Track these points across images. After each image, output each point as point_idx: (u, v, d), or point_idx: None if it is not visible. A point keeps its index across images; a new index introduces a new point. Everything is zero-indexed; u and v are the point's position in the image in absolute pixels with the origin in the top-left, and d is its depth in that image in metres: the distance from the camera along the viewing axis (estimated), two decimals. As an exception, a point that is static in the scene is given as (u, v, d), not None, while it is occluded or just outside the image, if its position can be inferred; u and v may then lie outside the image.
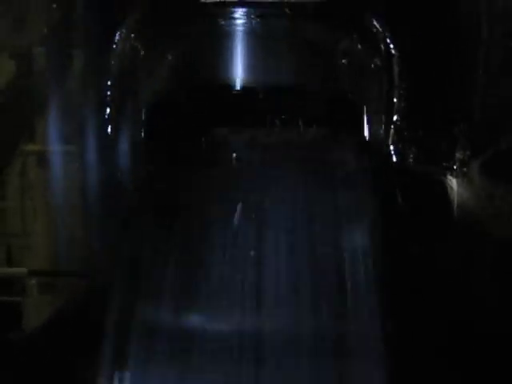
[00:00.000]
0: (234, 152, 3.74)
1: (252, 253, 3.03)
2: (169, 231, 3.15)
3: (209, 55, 3.68)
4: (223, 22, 3.61)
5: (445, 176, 3.31)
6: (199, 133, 3.71)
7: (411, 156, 3.46)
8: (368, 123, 3.61)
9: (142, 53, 3.67)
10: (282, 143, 3.72)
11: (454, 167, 3.28)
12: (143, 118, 3.60)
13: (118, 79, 3.50)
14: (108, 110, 3.45)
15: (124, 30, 3.50)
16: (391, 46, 3.43)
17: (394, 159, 3.46)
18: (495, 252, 3.01)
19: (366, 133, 3.58)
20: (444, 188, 3.31)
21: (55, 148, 3.23)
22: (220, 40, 3.68)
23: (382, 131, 3.49)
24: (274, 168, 3.49)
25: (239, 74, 3.74)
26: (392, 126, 3.45)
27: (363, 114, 3.64)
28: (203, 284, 2.95)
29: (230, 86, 3.69)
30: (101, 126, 3.43)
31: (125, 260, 3.05)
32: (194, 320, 2.88)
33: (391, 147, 3.46)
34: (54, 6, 3.15)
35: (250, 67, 3.71)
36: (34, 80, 3.16)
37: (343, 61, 3.72)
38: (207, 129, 3.79)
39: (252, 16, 3.58)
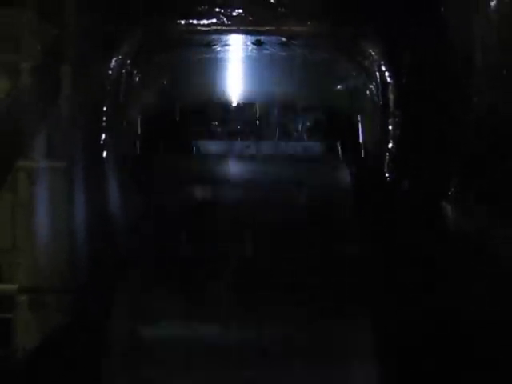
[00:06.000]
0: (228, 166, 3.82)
1: None
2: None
3: (206, 78, 3.72)
4: (219, 49, 3.64)
5: (440, 202, 3.31)
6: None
7: (406, 182, 3.47)
8: (364, 150, 3.64)
9: (138, 79, 3.70)
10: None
11: (449, 193, 3.28)
12: (137, 140, 3.64)
13: (114, 104, 3.52)
14: (103, 136, 3.46)
15: (120, 57, 3.52)
16: (387, 74, 3.45)
17: (390, 186, 3.48)
18: (492, 277, 3.00)
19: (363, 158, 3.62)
20: (439, 214, 3.31)
21: (47, 165, 3.23)
22: (216, 65, 3.72)
23: (378, 158, 3.51)
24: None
25: (236, 95, 3.81)
26: (387, 154, 3.47)
27: (359, 142, 3.68)
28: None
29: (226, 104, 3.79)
30: (95, 150, 3.44)
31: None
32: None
33: (387, 174, 3.48)
34: (47, 26, 3.16)
35: (247, 88, 3.77)
36: (26, 97, 3.16)
37: (339, 87, 3.76)
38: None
39: (248, 43, 3.61)
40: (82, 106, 3.34)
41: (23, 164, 3.14)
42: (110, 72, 3.47)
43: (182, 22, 3.49)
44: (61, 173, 3.21)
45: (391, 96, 3.46)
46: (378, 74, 3.49)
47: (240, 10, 3.39)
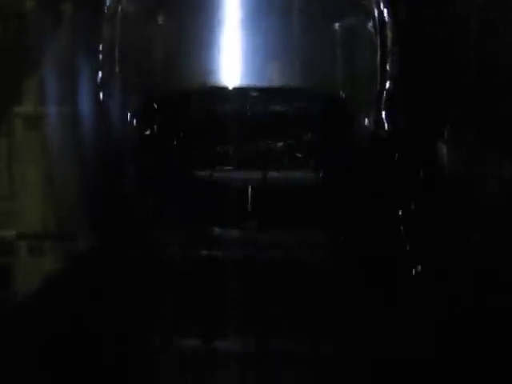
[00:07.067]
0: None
1: None
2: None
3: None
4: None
5: (436, 142, 3.33)
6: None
7: (403, 122, 3.48)
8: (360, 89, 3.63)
9: (134, 16, 3.64)
10: None
11: (445, 133, 3.30)
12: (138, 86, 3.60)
13: (110, 44, 3.47)
14: (100, 75, 3.43)
15: (115, -7, 3.46)
16: (384, 11, 3.42)
17: (386, 126, 3.48)
18: (484, 219, 3.04)
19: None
20: (435, 154, 3.34)
21: (43, 110, 3.20)
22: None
23: (374, 98, 3.50)
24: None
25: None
26: (384, 93, 3.46)
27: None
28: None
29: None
30: (93, 92, 3.41)
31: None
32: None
33: (383, 113, 3.48)
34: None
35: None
36: (22, 39, 3.12)
37: (336, 26, 3.71)
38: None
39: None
40: (80, 46, 3.31)
41: (19, 109, 3.11)
42: (106, 10, 3.43)
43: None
44: (58, 117, 3.20)
45: (389, 34, 3.43)
46: (376, 11, 3.45)
47: None
